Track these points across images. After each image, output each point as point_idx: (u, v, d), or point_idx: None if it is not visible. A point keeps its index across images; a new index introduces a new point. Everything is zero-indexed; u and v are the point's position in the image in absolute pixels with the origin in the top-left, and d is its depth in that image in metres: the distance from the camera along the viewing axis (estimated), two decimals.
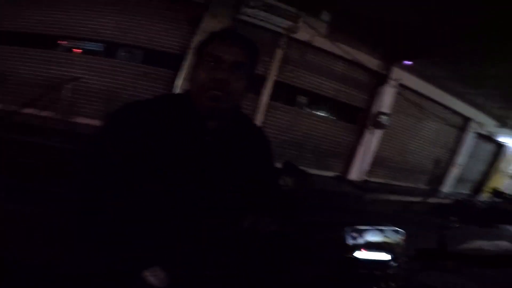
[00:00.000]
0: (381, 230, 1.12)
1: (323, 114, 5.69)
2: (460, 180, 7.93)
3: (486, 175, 8.63)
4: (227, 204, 0.82)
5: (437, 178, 7.53)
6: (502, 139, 8.21)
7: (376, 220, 1.22)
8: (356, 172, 5.88)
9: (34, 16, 4.15)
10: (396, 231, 1.13)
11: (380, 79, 5.61)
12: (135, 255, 0.72)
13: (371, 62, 5.44)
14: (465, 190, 8.16)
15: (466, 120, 7.23)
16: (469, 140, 7.45)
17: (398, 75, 5.63)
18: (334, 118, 5.77)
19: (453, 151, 7.44)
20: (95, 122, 4.10)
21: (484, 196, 7.40)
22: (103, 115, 0.82)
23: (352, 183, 5.68)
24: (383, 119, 5.55)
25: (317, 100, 5.49)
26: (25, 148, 2.95)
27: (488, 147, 8.39)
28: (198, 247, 0.76)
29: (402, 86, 5.82)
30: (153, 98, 0.85)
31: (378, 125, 5.60)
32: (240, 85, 0.79)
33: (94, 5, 4.17)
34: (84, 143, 0.83)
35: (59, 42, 4.28)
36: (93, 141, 0.81)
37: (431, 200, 6.49)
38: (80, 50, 4.33)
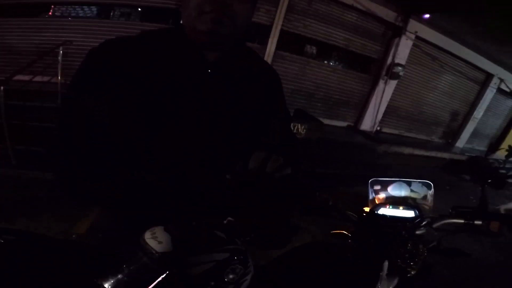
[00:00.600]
0: (408, 183, 0.98)
1: (333, 64, 5.53)
2: (476, 135, 7.80)
3: (504, 131, 8.38)
4: (238, 144, 0.73)
5: (453, 132, 7.44)
6: None
7: (388, 174, 1.08)
8: (368, 122, 5.83)
9: None
10: (424, 184, 1.00)
11: (395, 31, 5.37)
12: (126, 207, 0.66)
13: (386, 13, 5.12)
14: (480, 146, 8.00)
15: (488, 75, 6.94)
16: (490, 95, 7.18)
17: (415, 27, 5.36)
18: (346, 67, 5.61)
19: (472, 105, 7.26)
20: None
21: (499, 154, 7.13)
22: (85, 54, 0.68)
23: (364, 133, 5.62)
24: (398, 69, 5.41)
25: (326, 49, 5.31)
26: (27, 112, 2.91)
27: (510, 103, 8.07)
28: (207, 193, 0.69)
29: (419, 38, 5.56)
30: (138, 34, 0.71)
31: (393, 76, 5.48)
32: (246, 8, 0.65)
33: None
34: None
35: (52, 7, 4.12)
36: (70, 87, 0.68)
37: (444, 155, 6.35)
38: (73, 15, 4.17)
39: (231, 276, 0.60)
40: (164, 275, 0.52)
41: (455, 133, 7.47)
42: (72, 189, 0.69)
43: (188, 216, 0.62)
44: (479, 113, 7.32)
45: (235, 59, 0.73)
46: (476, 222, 0.82)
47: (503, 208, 3.01)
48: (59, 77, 3.45)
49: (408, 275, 0.78)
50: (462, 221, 0.84)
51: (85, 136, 0.64)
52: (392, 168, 4.80)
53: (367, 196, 0.96)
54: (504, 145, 7.04)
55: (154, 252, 0.52)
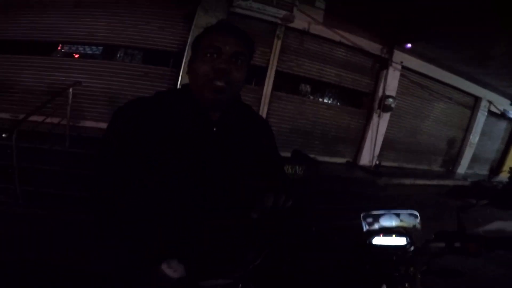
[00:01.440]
0: (396, 214, 1.08)
1: (327, 101, 5.72)
2: (475, 159, 7.81)
3: (503, 154, 8.46)
4: (240, 192, 0.80)
5: (452, 159, 7.46)
6: None
7: (392, 205, 1.16)
8: (367, 157, 5.87)
9: (29, 23, 4.18)
10: (411, 215, 1.10)
11: (382, 63, 5.66)
12: (151, 249, 0.73)
13: (371, 46, 5.47)
14: (481, 170, 8.01)
15: (477, 99, 7.18)
16: (482, 118, 7.35)
17: (400, 57, 5.67)
18: (339, 104, 5.79)
19: (466, 130, 7.38)
20: (102, 125, 4.18)
21: (502, 176, 7.14)
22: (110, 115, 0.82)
23: (363, 168, 5.65)
24: (390, 101, 5.58)
25: (320, 87, 5.54)
26: (36, 155, 3.07)
27: (503, 125, 8.24)
28: (214, 236, 0.76)
29: (406, 68, 5.84)
30: (154, 95, 0.86)
31: (385, 108, 5.64)
32: (241, 75, 0.81)
33: (89, 10, 4.19)
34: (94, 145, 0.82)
35: (59, 48, 4.34)
36: (102, 141, 0.80)
37: (447, 182, 6.36)
38: (77, 55, 4.38)
39: None
40: None
41: (455, 160, 7.47)
42: (110, 230, 0.77)
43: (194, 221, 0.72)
44: (475, 138, 7.37)
45: (234, 117, 0.86)
46: (456, 244, 0.89)
47: (482, 230, 3.01)
48: (68, 120, 3.59)
49: None
50: (443, 244, 0.90)
51: (120, 179, 0.74)
52: (395, 199, 4.78)
53: (361, 229, 1.03)
54: (506, 167, 7.09)
55: (171, 278, 0.61)
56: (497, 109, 7.45)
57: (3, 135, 2.61)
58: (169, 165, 0.75)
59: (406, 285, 0.83)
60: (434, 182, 6.07)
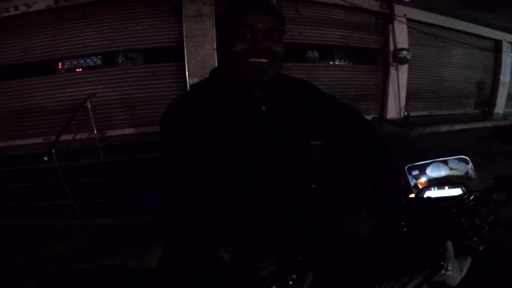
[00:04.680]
0: (444, 162, 0.98)
1: (339, 63, 5.56)
2: (511, 98, 7.40)
3: None
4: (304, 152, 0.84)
5: (486, 100, 7.10)
6: None
7: (432, 157, 1.06)
8: (393, 110, 5.68)
9: (19, 45, 4.21)
10: (461, 160, 0.99)
11: (385, 18, 5.39)
12: (211, 235, 0.76)
13: (369, 3, 5.20)
14: None
15: (496, 42, 6.80)
16: (508, 59, 6.96)
17: (403, 10, 5.40)
18: (352, 63, 5.60)
19: (494, 71, 7.01)
20: (128, 131, 4.34)
21: None
22: (160, 121, 0.81)
23: (392, 122, 5.46)
24: (404, 54, 5.39)
25: (328, 51, 5.37)
26: (78, 170, 3.30)
27: None
28: (269, 219, 0.78)
29: (412, 20, 5.55)
30: (191, 90, 0.85)
31: (401, 61, 5.45)
32: (280, 50, 0.78)
33: (72, 22, 4.19)
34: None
35: (60, 65, 4.40)
36: (163, 148, 0.81)
37: (487, 124, 5.97)
38: (80, 69, 4.43)
39: (293, 274, 0.67)
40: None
41: (489, 101, 7.08)
42: (194, 228, 0.80)
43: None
44: (505, 77, 7.01)
45: (280, 92, 0.84)
46: None
47: None
48: (95, 132, 3.75)
49: (478, 251, 0.76)
50: (506, 190, 0.81)
51: (191, 177, 0.76)
52: (434, 150, 4.55)
53: (408, 184, 0.96)
54: None
55: (229, 262, 0.63)
56: None
57: (45, 158, 2.80)
58: (229, 155, 0.75)
59: (475, 239, 0.75)
60: (473, 125, 5.68)
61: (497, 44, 6.83)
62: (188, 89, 0.88)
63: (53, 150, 2.85)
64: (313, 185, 1.00)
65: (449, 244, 0.74)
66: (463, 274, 0.72)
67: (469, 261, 0.75)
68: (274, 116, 0.80)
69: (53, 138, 3.21)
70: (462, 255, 0.75)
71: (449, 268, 0.70)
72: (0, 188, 3.40)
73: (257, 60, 0.73)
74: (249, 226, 0.78)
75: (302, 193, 0.87)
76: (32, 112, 4.28)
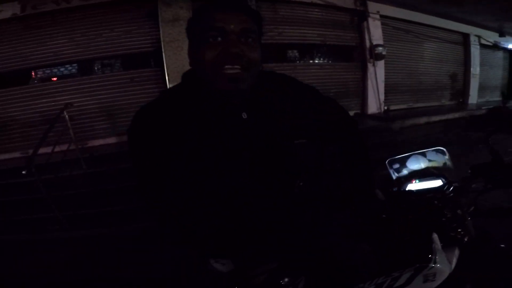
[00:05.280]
0: (422, 154, 1.00)
1: (318, 61, 5.66)
2: (484, 88, 7.88)
3: (510, 78, 8.59)
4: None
5: (459, 92, 7.46)
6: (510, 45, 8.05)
7: (413, 148, 1.09)
8: (374, 105, 5.85)
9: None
10: (438, 151, 1.00)
11: (359, 15, 5.57)
12: (203, 245, 0.73)
13: (344, 1, 5.35)
14: (492, 97, 8.10)
15: (464, 35, 7.22)
16: (476, 51, 7.40)
17: (375, 7, 5.59)
18: (331, 61, 5.74)
19: (464, 64, 7.42)
20: (109, 140, 4.22)
21: None
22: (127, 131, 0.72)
23: (373, 116, 5.62)
24: (380, 50, 5.56)
25: (307, 50, 5.47)
26: (61, 183, 3.21)
27: (499, 54, 8.37)
28: (258, 227, 0.76)
29: (384, 16, 5.78)
30: (160, 96, 0.75)
31: (377, 57, 5.63)
32: (256, 54, 0.68)
33: (42, 30, 4.03)
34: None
35: (33, 75, 4.21)
36: (134, 158, 0.73)
37: (462, 114, 6.27)
38: (55, 78, 4.27)
39: (286, 279, 0.67)
40: None
41: (462, 92, 7.47)
42: (173, 233, 0.77)
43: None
44: (475, 69, 7.41)
45: (257, 91, 0.76)
46: (497, 177, 0.80)
47: None
48: (76, 143, 3.64)
49: (464, 241, 0.77)
50: (482, 180, 0.82)
51: (164, 184, 0.70)
52: (414, 141, 4.67)
53: (391, 177, 0.99)
54: None
55: (221, 272, 0.63)
56: (488, 41, 7.47)
57: (23, 172, 2.69)
58: (207, 164, 0.69)
59: (459, 230, 0.77)
60: (450, 116, 5.96)
61: (465, 37, 7.21)
62: (158, 96, 0.75)
63: (32, 164, 2.75)
64: (301, 183, 1.01)
65: (435, 237, 0.75)
66: (453, 266, 0.72)
67: (456, 252, 0.76)
68: (255, 120, 0.74)
69: (30, 151, 3.08)
70: (449, 247, 0.76)
71: (438, 260, 0.71)
72: None
73: (230, 67, 0.63)
74: (236, 231, 0.74)
75: (289, 192, 0.83)
76: (6, 125, 4.08)
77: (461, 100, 7.42)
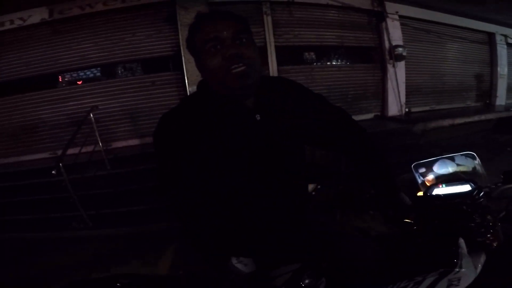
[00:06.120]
0: (451, 159, 0.97)
1: (336, 63, 5.59)
2: (511, 89, 7.43)
3: None
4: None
5: (486, 93, 7.09)
6: None
7: (436, 152, 1.06)
8: (394, 107, 5.69)
9: (17, 60, 4.23)
10: (468, 156, 0.98)
11: (377, 16, 5.44)
12: (225, 245, 0.76)
13: (360, 2, 5.26)
14: None
15: (490, 34, 6.84)
16: (503, 51, 7.00)
17: (394, 8, 5.46)
18: (349, 63, 5.64)
19: (491, 64, 7.05)
20: (132, 142, 4.38)
21: None
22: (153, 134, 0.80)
23: (394, 119, 5.46)
24: (400, 50, 5.42)
25: (324, 52, 5.41)
26: (86, 183, 3.36)
27: None
28: (277, 228, 0.79)
29: (404, 17, 5.62)
30: (181, 103, 0.83)
31: (397, 58, 5.49)
32: (253, 51, 0.76)
33: (69, 35, 4.23)
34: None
35: (60, 79, 4.43)
36: (159, 161, 0.80)
37: (489, 116, 5.93)
38: (80, 81, 4.46)
39: (307, 281, 0.67)
40: None
41: (489, 93, 7.08)
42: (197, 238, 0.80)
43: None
44: (503, 69, 7.03)
45: (271, 96, 0.83)
46: None
47: None
48: (100, 145, 3.79)
49: (492, 247, 0.74)
50: None
51: (192, 188, 0.75)
52: (438, 144, 4.48)
53: (415, 182, 0.96)
54: None
55: (242, 273, 0.63)
56: None
57: (53, 172, 2.84)
58: (227, 166, 0.75)
59: (488, 235, 0.74)
60: (476, 118, 5.62)
61: (491, 36, 6.86)
62: (178, 103, 0.85)
63: (60, 164, 2.89)
64: (318, 187, 1.01)
65: (462, 242, 0.73)
66: (478, 271, 0.70)
67: (483, 257, 0.73)
68: (268, 123, 0.80)
69: (59, 152, 3.27)
70: (475, 252, 0.73)
71: (463, 265, 0.69)
72: (11, 202, 3.46)
73: (235, 66, 0.72)
74: (252, 232, 0.78)
75: (300, 195, 0.87)
76: (36, 127, 4.32)
77: (487, 101, 7.04)
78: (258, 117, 0.79)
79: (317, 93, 0.94)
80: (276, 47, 4.84)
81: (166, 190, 0.78)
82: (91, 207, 3.19)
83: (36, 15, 4.07)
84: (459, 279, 0.69)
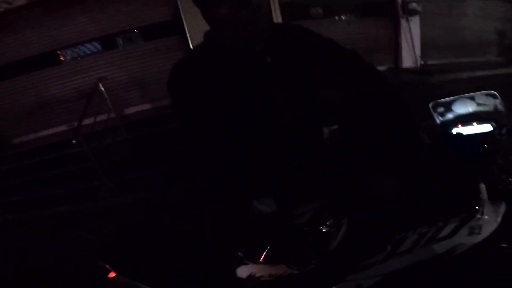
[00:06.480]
0: (471, 98, 0.92)
1: (345, 17, 5.33)
2: None
3: None
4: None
5: (509, 48, 6.52)
6: None
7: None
8: (409, 59, 5.45)
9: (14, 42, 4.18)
10: (489, 95, 0.93)
11: None
12: (245, 187, 0.79)
13: None
14: None
15: None
16: None
17: None
18: (359, 17, 5.38)
19: None
20: (144, 107, 4.44)
21: None
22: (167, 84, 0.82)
23: (409, 70, 5.25)
24: (413, 5, 5.11)
25: (331, 6, 5.14)
26: (105, 151, 3.43)
27: None
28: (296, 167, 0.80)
29: None
30: (189, 54, 0.87)
31: (411, 12, 5.20)
32: (261, 11, 0.76)
33: (62, 12, 4.12)
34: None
35: (61, 56, 4.41)
36: (177, 113, 0.82)
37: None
38: (84, 55, 4.44)
39: (329, 221, 0.69)
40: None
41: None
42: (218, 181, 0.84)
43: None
44: None
45: (278, 39, 0.82)
46: None
47: None
48: (113, 113, 3.86)
49: None
50: None
51: (212, 139, 0.79)
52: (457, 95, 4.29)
53: (434, 122, 0.93)
54: None
55: (264, 213, 0.66)
56: None
57: (73, 141, 2.93)
58: (242, 111, 0.77)
59: (510, 180, 0.71)
60: (497, 71, 5.27)
61: None
62: (187, 54, 0.86)
63: (79, 134, 2.97)
64: (333, 134, 0.99)
65: (483, 187, 0.70)
66: (499, 221, 0.68)
67: (503, 207, 0.70)
68: (279, 65, 0.81)
69: (75, 124, 3.31)
70: (495, 200, 0.70)
71: (485, 212, 0.66)
72: (37, 178, 3.61)
73: (244, 12, 0.71)
74: (272, 172, 0.80)
75: (316, 136, 0.88)
76: (48, 103, 4.41)
77: (510, 56, 6.49)
78: (269, 59, 0.80)
79: (328, 38, 0.91)
80: (280, 3, 4.58)
81: (186, 138, 0.81)
82: (114, 175, 3.30)
83: None
84: (480, 227, 0.66)
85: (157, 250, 0.91)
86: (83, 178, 3.43)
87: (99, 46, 4.43)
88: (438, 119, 0.92)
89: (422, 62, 5.40)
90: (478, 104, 0.91)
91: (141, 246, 0.94)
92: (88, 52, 4.44)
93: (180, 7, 4.06)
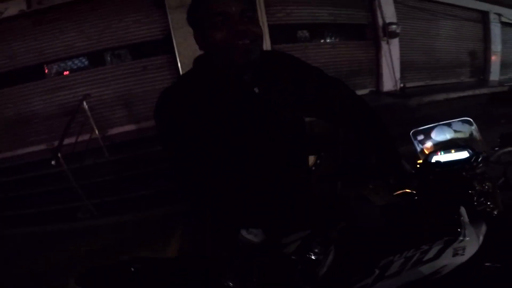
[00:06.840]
0: (448, 125, 0.98)
1: (330, 40, 5.56)
2: (506, 65, 7.55)
3: None
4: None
5: (480, 69, 7.19)
6: None
7: (431, 123, 1.06)
8: (389, 82, 5.72)
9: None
10: (465, 122, 0.98)
11: None
12: (233, 216, 0.78)
13: None
14: None
15: (483, 13, 6.88)
16: (496, 29, 7.08)
17: None
18: (343, 40, 5.62)
19: (484, 41, 7.12)
20: (129, 127, 4.33)
21: None
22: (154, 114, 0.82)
23: (389, 94, 5.51)
24: (393, 28, 5.42)
25: (318, 30, 5.36)
26: (86, 171, 3.34)
27: None
28: (283, 197, 0.81)
29: None
30: (179, 80, 0.86)
31: (391, 35, 5.49)
32: (259, 29, 0.78)
33: (52, 25, 4.08)
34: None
35: (46, 70, 4.28)
36: (162, 140, 0.82)
37: (483, 90, 6.01)
38: (67, 72, 4.33)
39: (317, 249, 0.70)
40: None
41: (483, 69, 7.19)
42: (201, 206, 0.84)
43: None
44: (496, 46, 7.12)
45: (266, 68, 0.83)
46: None
47: None
48: (97, 132, 3.75)
49: (493, 216, 0.75)
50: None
51: (196, 163, 0.78)
52: (434, 118, 4.52)
53: (415, 150, 0.97)
54: None
55: (253, 243, 0.65)
56: (509, 19, 7.14)
57: (52, 162, 2.80)
58: (228, 140, 0.77)
59: (488, 203, 0.74)
60: (470, 92, 5.69)
61: (484, 15, 6.90)
62: (175, 81, 0.86)
63: (59, 154, 2.85)
64: (318, 161, 1.03)
65: (463, 210, 0.73)
66: (480, 241, 0.71)
67: (484, 228, 0.73)
68: (267, 95, 0.81)
69: (55, 143, 3.20)
70: (476, 222, 0.74)
71: (467, 234, 0.70)
72: (13, 197, 3.45)
73: (241, 42, 0.73)
74: (259, 203, 0.80)
75: (302, 168, 0.90)
76: (29, 119, 4.24)
77: (481, 77, 7.13)
78: (256, 90, 0.80)
79: (315, 66, 0.94)
80: (269, 26, 4.75)
81: (173, 162, 0.80)
82: (94, 196, 3.19)
83: (13, 7, 3.89)
84: (463, 248, 0.69)
85: (135, 274, 0.87)
86: (62, 199, 3.27)
87: (86, 62, 4.34)
88: (419, 147, 0.96)
89: (402, 85, 5.66)
90: (455, 131, 0.96)
91: (118, 270, 0.90)
92: (74, 67, 4.33)
93: (171, 26, 4.10)
